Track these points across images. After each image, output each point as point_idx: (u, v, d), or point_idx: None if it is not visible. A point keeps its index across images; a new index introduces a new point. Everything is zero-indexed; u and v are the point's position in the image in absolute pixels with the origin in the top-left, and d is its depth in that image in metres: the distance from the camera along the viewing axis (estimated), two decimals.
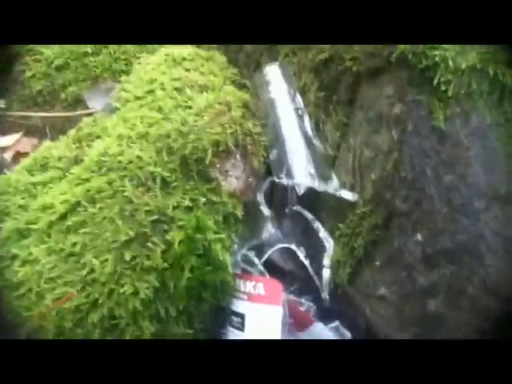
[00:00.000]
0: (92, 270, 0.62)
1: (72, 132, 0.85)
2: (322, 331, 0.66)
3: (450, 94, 0.57)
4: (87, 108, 1.12)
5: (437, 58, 0.57)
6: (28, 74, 1.15)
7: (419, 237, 0.58)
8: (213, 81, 0.83)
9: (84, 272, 0.62)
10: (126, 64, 1.15)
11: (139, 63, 0.93)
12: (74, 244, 0.64)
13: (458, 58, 0.57)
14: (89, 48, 1.16)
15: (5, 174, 0.90)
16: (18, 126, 1.12)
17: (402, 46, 0.60)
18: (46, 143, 0.85)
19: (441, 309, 0.58)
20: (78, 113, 1.07)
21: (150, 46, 1.16)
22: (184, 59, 0.90)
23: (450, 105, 0.57)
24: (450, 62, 0.57)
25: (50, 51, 1.16)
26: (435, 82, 0.58)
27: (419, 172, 0.58)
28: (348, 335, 0.67)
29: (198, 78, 0.83)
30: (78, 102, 1.14)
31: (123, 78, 0.90)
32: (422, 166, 0.58)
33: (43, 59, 1.16)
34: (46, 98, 1.14)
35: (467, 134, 0.57)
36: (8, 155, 1.06)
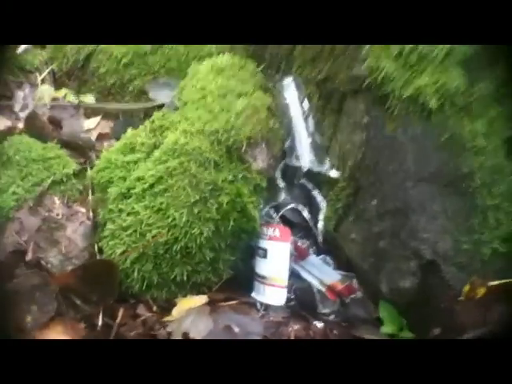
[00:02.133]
0: (174, 219, 0.96)
1: (147, 123, 1.18)
2: (315, 260, 1.02)
3: (395, 113, 0.90)
4: (148, 98, 1.45)
5: (389, 90, 0.91)
6: (102, 69, 1.47)
7: (374, 202, 0.93)
8: (246, 87, 1.15)
9: (169, 220, 0.97)
10: (178, 62, 1.46)
11: (191, 69, 1.25)
12: (161, 203, 0.97)
13: (402, 90, 0.90)
14: (147, 48, 1.47)
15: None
16: (97, 112, 1.46)
17: (372, 78, 0.92)
18: (130, 131, 1.18)
19: (387, 246, 0.93)
20: (144, 105, 1.41)
21: (196, 47, 1.47)
22: (224, 68, 1.21)
23: (396, 120, 0.91)
24: (397, 93, 0.90)
25: (117, 51, 1.48)
26: (387, 105, 0.91)
27: (376, 162, 0.93)
28: (331, 263, 1.03)
29: (235, 86, 1.15)
30: (142, 93, 1.43)
31: (181, 83, 1.22)
32: (378, 158, 0.93)
33: (113, 57, 1.48)
34: (117, 89, 1.45)
35: (406, 138, 0.90)
36: (93, 135, 1.39)
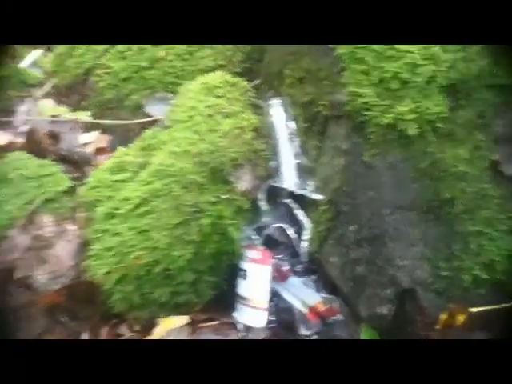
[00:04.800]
0: (156, 241, 0.98)
1: (138, 142, 1.20)
2: (296, 282, 1.02)
3: (373, 140, 0.90)
4: (145, 113, 1.47)
5: (367, 117, 0.90)
6: (101, 84, 1.50)
7: (353, 228, 0.93)
8: (235, 107, 1.16)
9: (151, 242, 0.98)
10: (175, 77, 1.48)
11: (182, 88, 1.26)
12: (145, 224, 1.01)
13: (379, 118, 0.90)
14: (145, 63, 1.49)
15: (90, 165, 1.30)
16: (96, 126, 1.49)
17: (351, 105, 0.92)
18: (120, 149, 1.21)
19: (364, 272, 0.93)
20: (139, 121, 1.43)
21: (193, 62, 1.48)
22: (215, 86, 1.22)
23: (374, 147, 0.91)
24: (375, 120, 0.90)
25: (117, 66, 1.50)
26: (365, 131, 0.91)
27: (354, 188, 0.93)
28: (313, 285, 1.04)
29: (224, 106, 1.16)
30: (138, 107, 1.46)
31: (173, 102, 1.23)
32: (356, 184, 0.93)
33: (112, 72, 1.50)
34: (115, 103, 1.48)
35: (383, 165, 0.90)
36: (89, 149, 1.42)
